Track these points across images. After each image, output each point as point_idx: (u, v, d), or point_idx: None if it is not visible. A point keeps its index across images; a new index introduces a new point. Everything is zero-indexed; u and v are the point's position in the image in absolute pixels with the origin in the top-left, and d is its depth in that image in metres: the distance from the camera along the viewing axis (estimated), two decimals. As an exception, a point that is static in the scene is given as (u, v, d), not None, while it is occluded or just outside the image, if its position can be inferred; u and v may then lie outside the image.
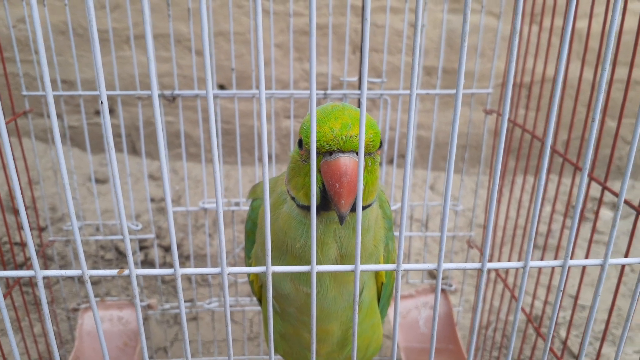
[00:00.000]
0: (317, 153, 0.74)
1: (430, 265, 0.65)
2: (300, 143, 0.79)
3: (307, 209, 0.80)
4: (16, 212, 1.47)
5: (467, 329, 1.90)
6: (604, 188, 1.03)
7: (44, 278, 0.62)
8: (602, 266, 0.66)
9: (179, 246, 2.34)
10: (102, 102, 0.54)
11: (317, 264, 0.72)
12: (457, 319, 1.69)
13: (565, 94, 1.20)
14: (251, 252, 1.01)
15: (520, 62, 1.46)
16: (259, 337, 1.91)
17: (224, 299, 0.64)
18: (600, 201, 1.11)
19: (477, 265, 0.66)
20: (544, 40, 1.38)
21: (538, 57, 1.46)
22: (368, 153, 0.78)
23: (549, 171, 1.56)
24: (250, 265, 1.03)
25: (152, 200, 2.77)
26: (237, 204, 1.83)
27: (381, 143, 0.80)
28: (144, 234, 2.17)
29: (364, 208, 0.82)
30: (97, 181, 2.76)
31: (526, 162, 1.39)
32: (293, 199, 0.82)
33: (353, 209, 0.74)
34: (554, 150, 1.25)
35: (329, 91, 1.51)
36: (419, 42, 0.55)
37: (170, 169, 2.96)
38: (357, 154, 0.74)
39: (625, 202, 0.95)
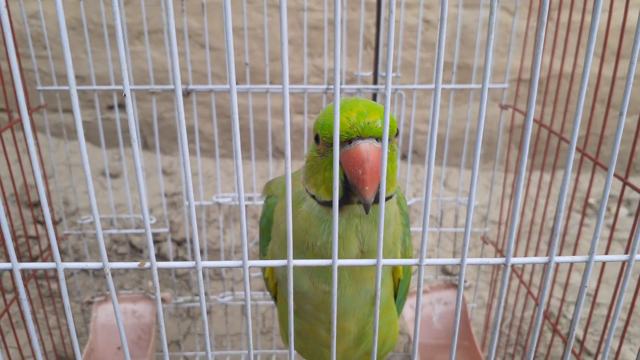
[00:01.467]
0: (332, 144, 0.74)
1: (454, 260, 0.65)
2: (317, 138, 0.79)
3: (328, 204, 0.80)
4: (32, 206, 1.47)
5: (480, 325, 1.89)
6: (625, 184, 1.02)
7: (64, 270, 0.62)
8: (628, 262, 0.65)
9: (191, 240, 2.35)
10: (125, 95, 0.53)
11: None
12: (471, 315, 1.68)
13: (571, 89, 1.18)
14: (266, 248, 1.00)
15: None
16: (271, 332, 1.92)
17: (245, 292, 0.63)
18: (620, 199, 1.09)
19: (501, 260, 0.65)
20: (559, 35, 1.36)
21: (554, 53, 1.45)
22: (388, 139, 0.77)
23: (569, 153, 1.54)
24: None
25: (165, 195, 2.78)
26: (250, 199, 1.83)
27: (397, 131, 0.80)
28: (157, 228, 2.18)
29: (386, 199, 0.81)
30: (110, 176, 2.77)
31: (543, 158, 1.38)
32: (313, 197, 0.82)
33: (374, 200, 0.74)
34: (580, 151, 1.24)
35: (343, 85, 1.50)
36: (443, 39, 0.54)
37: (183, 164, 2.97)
38: (376, 139, 0.74)
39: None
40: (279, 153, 3.13)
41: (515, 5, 1.42)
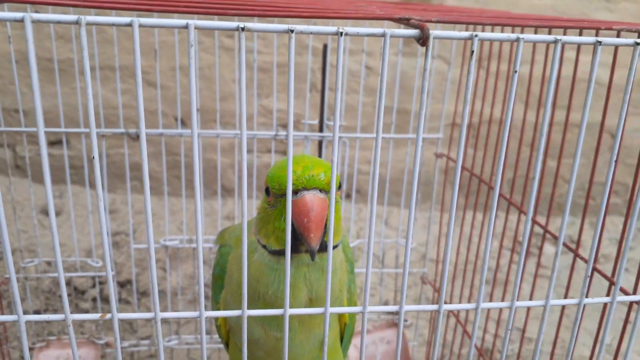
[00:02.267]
0: (282, 195, 0.82)
1: (393, 308, 0.71)
2: (267, 191, 0.86)
3: (278, 253, 0.85)
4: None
5: (421, 362, 1.96)
6: (545, 231, 1.13)
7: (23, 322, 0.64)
8: (544, 307, 0.74)
9: (136, 281, 2.31)
10: (93, 157, 0.57)
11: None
12: (412, 354, 1.75)
13: (510, 135, 1.31)
14: (219, 297, 1.04)
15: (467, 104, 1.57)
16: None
17: (201, 343, 0.67)
18: (542, 242, 1.21)
19: (434, 307, 0.72)
20: (489, 83, 1.49)
21: (484, 99, 1.58)
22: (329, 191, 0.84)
23: (497, 210, 1.67)
24: (217, 309, 1.06)
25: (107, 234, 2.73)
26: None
27: (340, 184, 0.87)
28: (101, 272, 2.14)
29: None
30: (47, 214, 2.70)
31: (475, 199, 1.49)
32: (264, 247, 0.87)
33: (321, 249, 0.80)
34: (500, 195, 1.35)
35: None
36: (383, 97, 0.62)
37: (125, 202, 2.93)
38: (320, 190, 0.81)
39: (564, 244, 1.04)
40: (226, 191, 3.16)
41: (451, 54, 1.56)
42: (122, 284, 2.29)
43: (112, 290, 0.63)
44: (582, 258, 0.96)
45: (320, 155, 1.63)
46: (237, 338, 1.02)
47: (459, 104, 1.65)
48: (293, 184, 0.80)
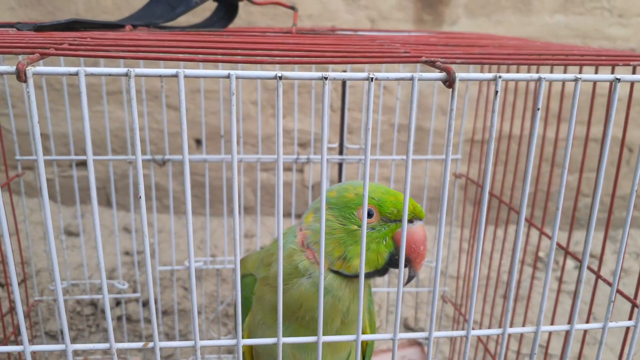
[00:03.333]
0: (393, 221, 0.87)
1: (423, 334, 0.73)
2: (370, 214, 0.87)
3: (347, 277, 0.87)
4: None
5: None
6: (567, 253, 1.14)
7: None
8: (569, 331, 0.76)
9: (156, 301, 2.36)
10: (140, 197, 0.61)
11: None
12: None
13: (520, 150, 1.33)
14: (244, 323, 1.04)
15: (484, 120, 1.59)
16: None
17: (238, 368, 0.70)
18: (564, 261, 1.22)
19: (462, 333, 0.74)
20: (508, 100, 1.52)
21: (504, 116, 1.60)
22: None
23: (517, 226, 1.68)
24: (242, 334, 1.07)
25: (127, 253, 2.78)
26: (222, 262, 1.88)
27: None
28: (127, 293, 2.18)
29: None
30: (71, 234, 2.75)
31: (496, 215, 1.51)
32: (334, 271, 0.87)
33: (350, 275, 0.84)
34: (528, 222, 1.37)
35: (311, 156, 1.61)
36: (413, 127, 0.65)
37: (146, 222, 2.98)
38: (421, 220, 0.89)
39: (588, 267, 1.06)
40: (245, 210, 3.20)
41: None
42: (144, 303, 2.33)
43: (154, 319, 0.66)
44: (605, 281, 0.98)
45: (340, 177, 1.67)
46: None
47: (477, 121, 1.67)
48: (411, 213, 0.86)
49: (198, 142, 3.00)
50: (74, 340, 2.11)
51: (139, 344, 0.68)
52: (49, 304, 2.26)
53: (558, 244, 1.20)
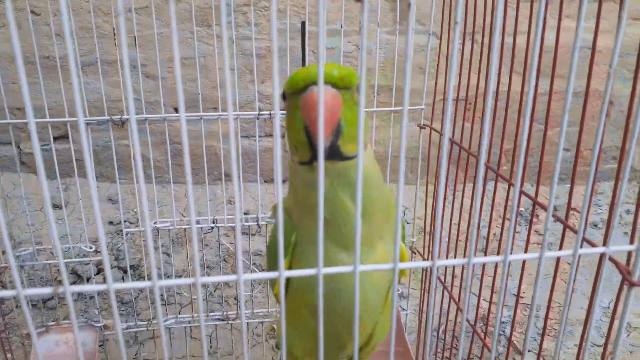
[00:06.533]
0: (294, 94, 0.75)
1: (389, 266, 0.69)
2: (284, 96, 0.80)
3: (305, 163, 0.79)
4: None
5: (416, 331, 1.99)
6: (535, 203, 1.13)
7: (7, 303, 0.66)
8: (540, 258, 0.74)
9: (137, 267, 2.37)
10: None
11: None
12: (404, 321, 1.77)
13: (497, 106, 1.31)
14: (275, 265, 0.96)
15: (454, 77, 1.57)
16: (217, 353, 1.95)
17: (239, 308, 0.69)
18: (532, 211, 1.21)
19: (428, 263, 0.71)
20: (484, 56, 1.49)
21: (472, 72, 1.57)
22: (345, 87, 0.75)
23: (484, 181, 1.67)
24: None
25: (111, 223, 2.79)
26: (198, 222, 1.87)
27: (356, 84, 0.77)
28: (100, 256, 2.19)
29: (349, 158, 0.78)
30: (57, 206, 2.76)
31: (465, 172, 1.50)
32: (300, 163, 0.79)
33: (341, 157, 0.75)
34: (487, 167, 1.35)
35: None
36: (408, 81, 0.63)
37: (129, 192, 2.98)
38: (331, 85, 0.73)
39: (553, 215, 1.05)
40: (227, 176, 3.19)
41: (431, 30, 1.55)
42: (124, 270, 2.34)
43: (152, 258, 0.65)
44: (572, 229, 0.97)
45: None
46: (297, 299, 0.94)
47: (447, 78, 1.65)
48: (302, 80, 0.74)
49: (175, 109, 2.97)
50: (52, 309, 2.13)
51: (139, 283, 0.65)
52: (28, 274, 2.27)
53: (523, 192, 1.19)
